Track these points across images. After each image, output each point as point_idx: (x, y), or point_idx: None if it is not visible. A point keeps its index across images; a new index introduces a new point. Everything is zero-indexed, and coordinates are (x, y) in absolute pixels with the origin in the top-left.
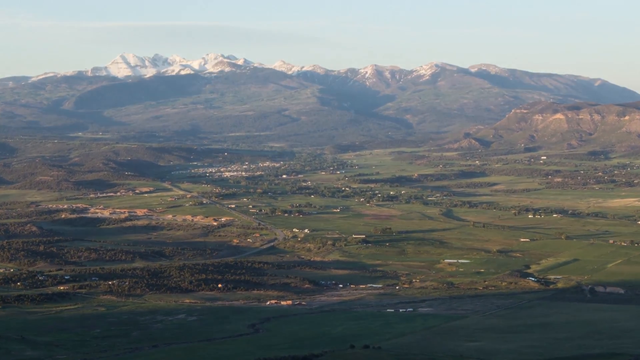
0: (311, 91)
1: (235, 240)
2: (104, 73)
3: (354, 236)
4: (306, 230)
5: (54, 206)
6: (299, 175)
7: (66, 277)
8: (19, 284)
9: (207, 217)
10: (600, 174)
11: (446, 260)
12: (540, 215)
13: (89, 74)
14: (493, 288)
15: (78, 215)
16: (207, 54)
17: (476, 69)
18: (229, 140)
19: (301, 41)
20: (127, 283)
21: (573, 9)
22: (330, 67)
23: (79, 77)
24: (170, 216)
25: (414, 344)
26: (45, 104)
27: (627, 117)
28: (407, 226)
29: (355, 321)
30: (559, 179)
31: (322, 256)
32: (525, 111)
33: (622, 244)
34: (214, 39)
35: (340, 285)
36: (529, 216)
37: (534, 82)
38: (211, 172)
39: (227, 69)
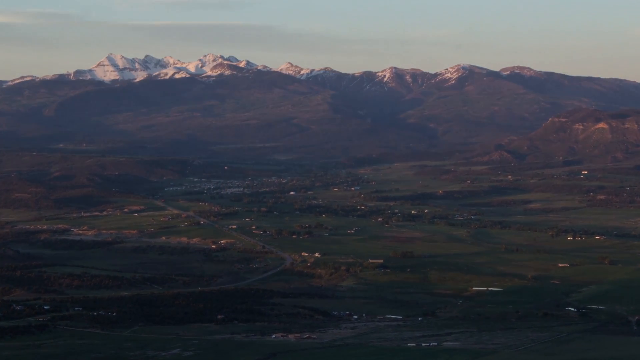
0: (322, 97)
1: (237, 266)
2: (88, 77)
3: (370, 261)
4: (317, 254)
5: (32, 227)
6: (309, 192)
7: (45, 307)
8: None
9: (204, 239)
10: None
11: (475, 288)
12: (581, 237)
13: (72, 77)
14: (528, 319)
15: (59, 237)
16: (205, 55)
17: (508, 72)
18: (230, 153)
19: (310, 41)
20: (114, 313)
21: (617, 4)
22: (344, 70)
23: (61, 81)
24: (163, 238)
25: None
26: (23, 111)
27: None
28: (431, 249)
29: (372, 357)
30: (602, 196)
31: (335, 283)
32: (564, 120)
33: None
34: (213, 39)
35: (355, 316)
36: (568, 238)
37: (573, 86)
38: (209, 188)
39: (227, 72)
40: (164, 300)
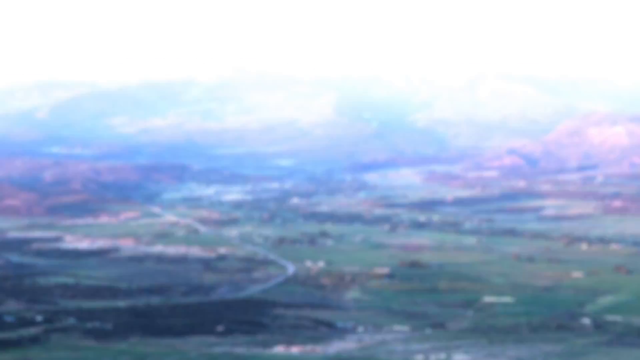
0: (327, 99)
1: (237, 275)
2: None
3: (376, 270)
4: (321, 263)
5: (24, 235)
6: (312, 199)
7: (38, 319)
8: None
9: (204, 247)
10: None
11: (485, 299)
12: (596, 246)
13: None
14: (540, 331)
15: (52, 246)
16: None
17: (521, 74)
18: (230, 157)
19: (314, 41)
20: (109, 325)
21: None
22: (349, 70)
23: (54, 83)
24: (160, 247)
25: None
26: (15, 114)
27: None
28: (440, 258)
29: None
30: (619, 203)
31: (339, 294)
32: (578, 123)
33: None
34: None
35: (361, 328)
36: (583, 247)
37: (589, 88)
38: (209, 194)
39: (227, 73)
40: (161, 311)
